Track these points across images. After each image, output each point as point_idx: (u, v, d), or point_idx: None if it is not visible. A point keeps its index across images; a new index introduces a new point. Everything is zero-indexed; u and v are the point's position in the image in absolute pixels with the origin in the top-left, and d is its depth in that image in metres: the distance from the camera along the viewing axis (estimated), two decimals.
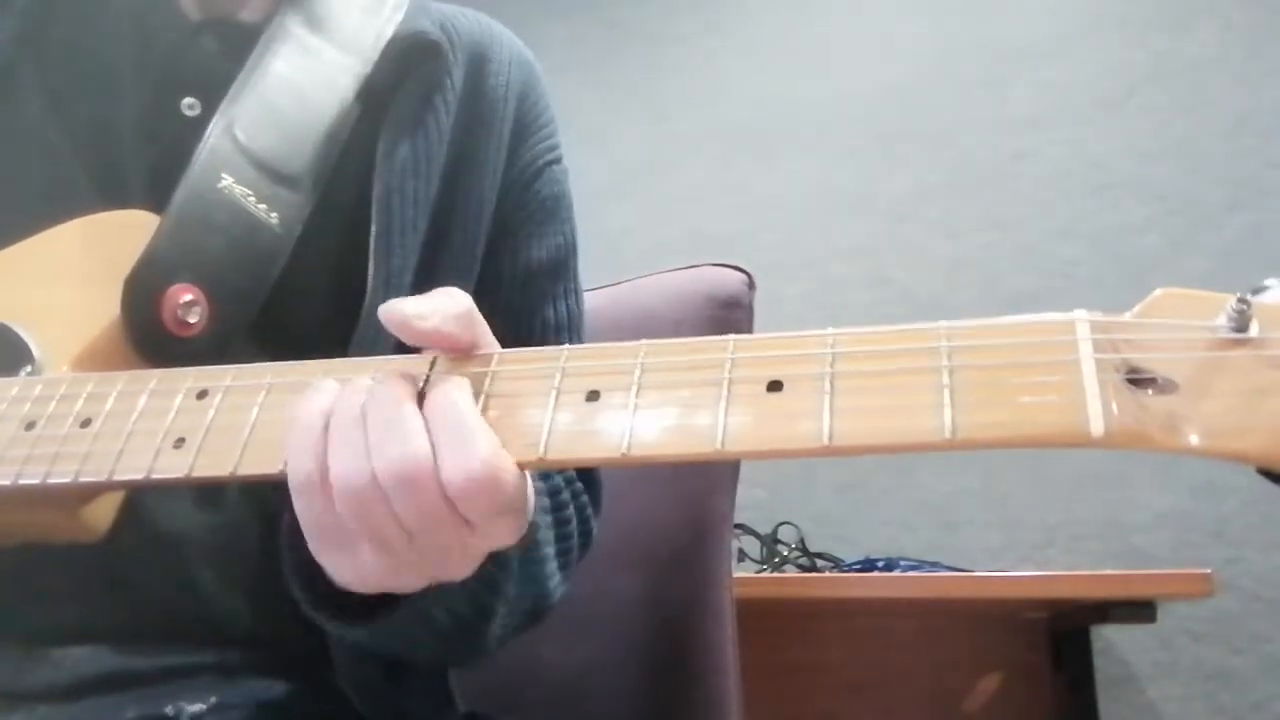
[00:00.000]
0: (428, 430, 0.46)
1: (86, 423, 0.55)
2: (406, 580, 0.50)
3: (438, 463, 0.45)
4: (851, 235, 2.13)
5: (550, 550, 0.67)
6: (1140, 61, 2.02)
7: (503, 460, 0.45)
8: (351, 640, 0.59)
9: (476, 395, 0.48)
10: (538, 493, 0.62)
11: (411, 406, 0.47)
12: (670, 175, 2.31)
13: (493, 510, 0.46)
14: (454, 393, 0.47)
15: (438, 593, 0.54)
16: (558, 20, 2.46)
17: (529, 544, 0.58)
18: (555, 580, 0.69)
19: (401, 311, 0.50)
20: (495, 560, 0.56)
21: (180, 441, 0.52)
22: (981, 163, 2.08)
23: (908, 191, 2.11)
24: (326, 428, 0.48)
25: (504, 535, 0.48)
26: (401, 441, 0.45)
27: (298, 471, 0.48)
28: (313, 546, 0.49)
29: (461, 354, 0.50)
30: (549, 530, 0.66)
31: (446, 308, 0.50)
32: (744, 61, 2.34)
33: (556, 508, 0.68)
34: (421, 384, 0.49)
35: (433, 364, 0.50)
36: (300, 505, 0.48)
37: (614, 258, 1.97)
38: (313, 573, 0.52)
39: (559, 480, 0.70)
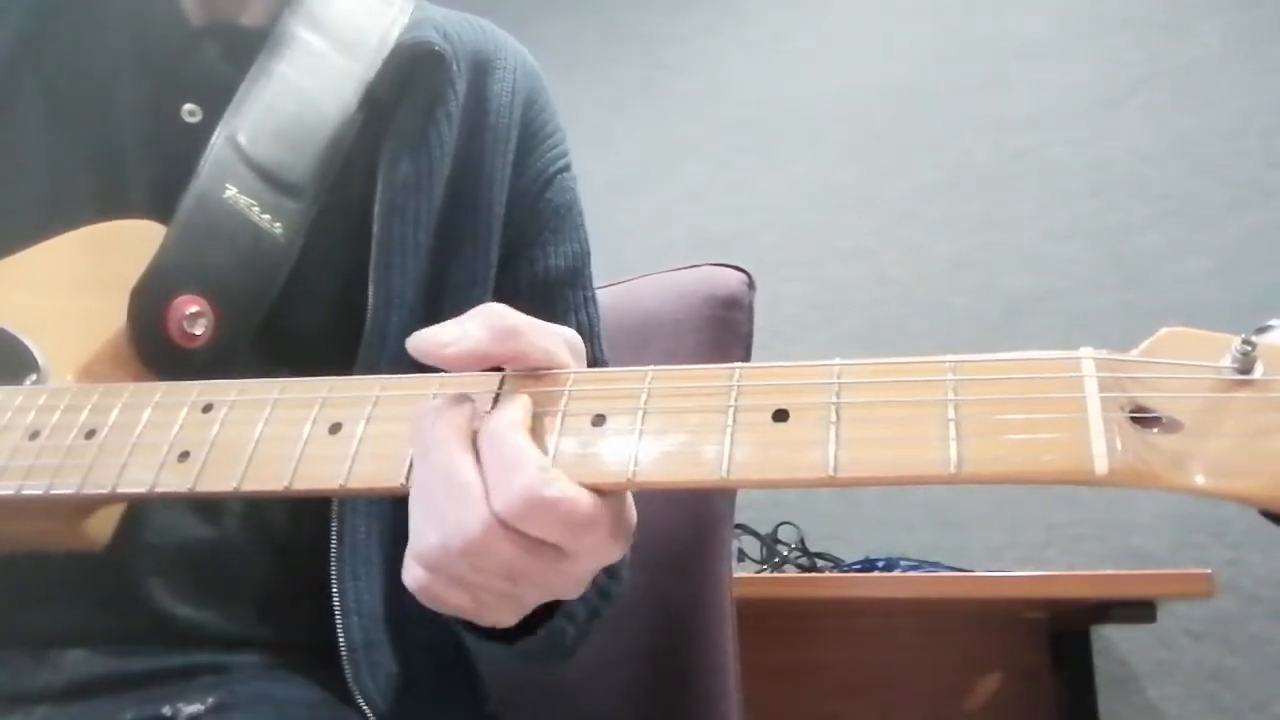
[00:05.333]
0: (479, 470, 0.46)
1: (91, 434, 0.55)
2: (530, 604, 0.51)
3: (491, 506, 0.45)
4: (851, 235, 2.13)
5: None
6: (1140, 61, 2.02)
7: (550, 485, 0.44)
8: (497, 656, 0.62)
9: (557, 414, 0.47)
10: None
11: (464, 458, 0.46)
12: (670, 175, 2.31)
13: (566, 530, 0.45)
14: (501, 421, 0.47)
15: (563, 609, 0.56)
16: (557, 20, 2.46)
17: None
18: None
19: (428, 341, 0.49)
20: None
21: (185, 455, 0.52)
22: (981, 163, 2.08)
23: (908, 191, 2.11)
24: None
25: (600, 552, 0.47)
26: (460, 507, 0.45)
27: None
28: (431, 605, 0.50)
29: (524, 368, 0.50)
30: None
31: (472, 330, 0.49)
32: (744, 61, 2.33)
33: None
34: (492, 402, 0.48)
35: (502, 382, 0.50)
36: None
37: (614, 258, 1.96)
38: None
39: None
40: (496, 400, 0.49)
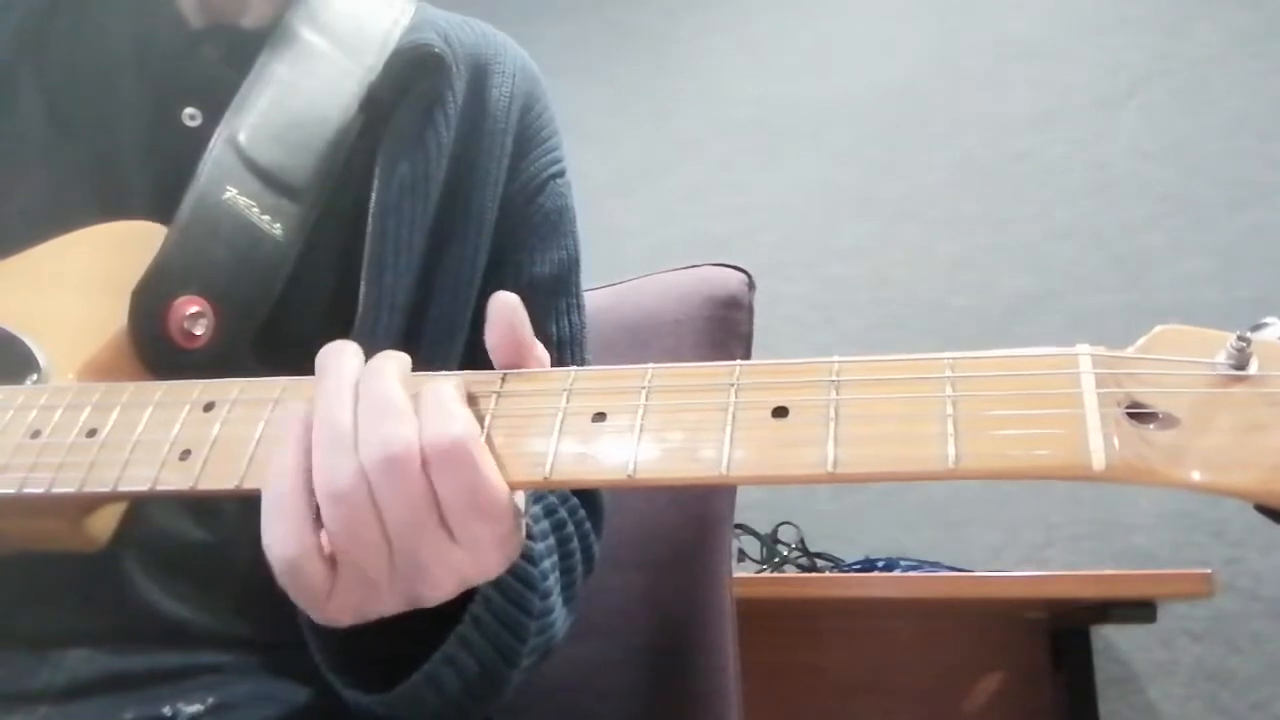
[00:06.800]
0: (415, 411, 0.46)
1: (92, 433, 0.55)
2: (386, 600, 0.48)
3: (421, 437, 0.45)
4: (851, 235, 2.14)
5: (553, 582, 0.65)
6: (1140, 61, 2.03)
7: (482, 445, 0.45)
8: (366, 706, 0.58)
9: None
10: (538, 527, 0.62)
11: (402, 394, 0.47)
12: (670, 175, 2.31)
13: (470, 501, 0.45)
14: (444, 385, 0.47)
15: (452, 649, 0.54)
16: (558, 21, 2.46)
17: (523, 573, 0.58)
18: (560, 615, 0.67)
19: (518, 312, 0.51)
20: (517, 604, 0.56)
21: (186, 454, 0.52)
22: (981, 163, 2.08)
23: (908, 191, 2.12)
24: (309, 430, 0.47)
25: (485, 552, 0.47)
26: (392, 425, 0.45)
27: (278, 488, 0.47)
28: (291, 585, 0.48)
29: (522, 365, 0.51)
30: (550, 556, 0.65)
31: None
32: (744, 61, 2.34)
33: (556, 527, 0.68)
34: (494, 400, 0.49)
35: (504, 379, 0.50)
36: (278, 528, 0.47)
37: (615, 258, 1.97)
38: (329, 634, 0.52)
39: (553, 500, 0.69)
40: (497, 398, 0.49)
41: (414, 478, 0.45)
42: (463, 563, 0.47)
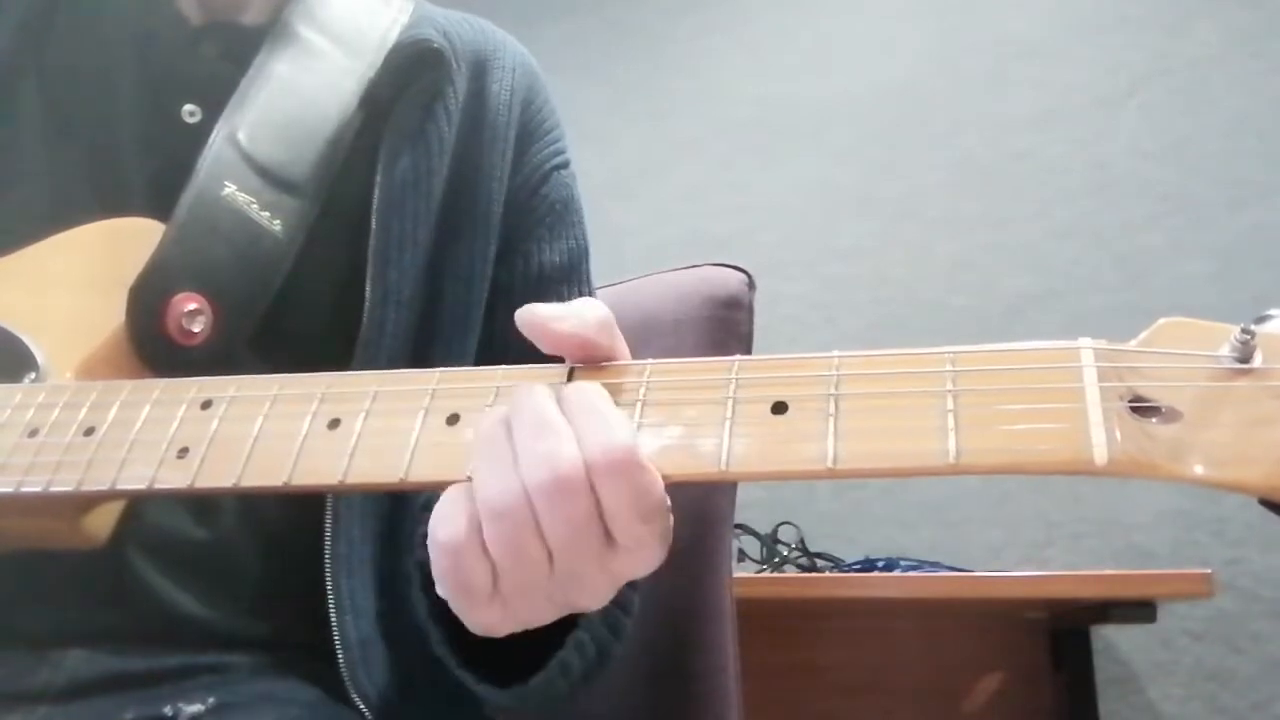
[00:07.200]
0: (572, 426, 0.45)
1: (90, 431, 0.55)
2: (543, 610, 0.48)
3: (582, 452, 0.44)
4: (851, 235, 2.13)
5: None
6: (1140, 61, 2.02)
7: (642, 453, 0.44)
8: (496, 702, 0.59)
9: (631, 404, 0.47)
10: None
11: (555, 408, 0.45)
12: (670, 175, 2.31)
13: (635, 507, 0.44)
14: (588, 388, 0.46)
15: (580, 634, 0.54)
16: (558, 20, 2.46)
17: None
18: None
19: (538, 314, 0.49)
20: (619, 602, 0.55)
21: (184, 452, 0.52)
22: (981, 162, 2.08)
23: (908, 191, 2.11)
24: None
25: (645, 552, 0.46)
26: (553, 443, 0.44)
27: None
28: (450, 590, 0.47)
29: (598, 362, 0.49)
30: None
31: (584, 312, 0.49)
32: (744, 61, 2.34)
33: None
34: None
35: (570, 373, 0.49)
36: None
37: (614, 258, 1.96)
38: (457, 631, 0.51)
39: None
40: (496, 395, 0.49)
41: (581, 495, 0.44)
42: (624, 566, 0.47)
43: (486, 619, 0.48)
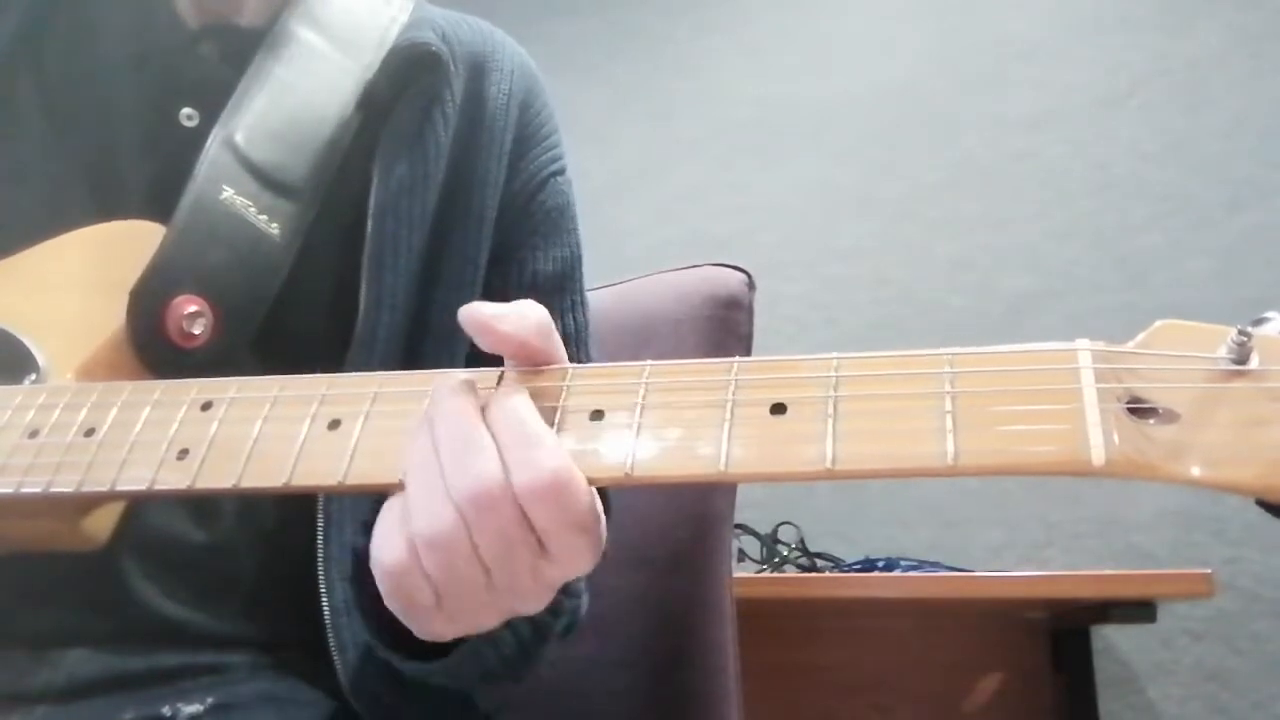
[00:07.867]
0: (496, 444, 0.46)
1: (90, 432, 0.55)
2: (485, 617, 0.49)
3: (508, 472, 0.45)
4: (851, 235, 2.13)
5: None
6: (1140, 61, 2.02)
7: (573, 467, 0.45)
8: (422, 675, 0.60)
9: (555, 409, 0.47)
10: None
11: (480, 427, 0.46)
12: (670, 175, 2.31)
13: (565, 522, 0.45)
14: (514, 399, 0.47)
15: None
16: (558, 20, 2.46)
17: None
18: (584, 591, 0.69)
19: (481, 313, 0.49)
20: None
21: (184, 453, 0.52)
22: (981, 163, 2.08)
23: (908, 191, 2.11)
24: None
25: (579, 559, 0.47)
26: (479, 465, 0.45)
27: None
28: (398, 608, 0.49)
29: (533, 366, 0.50)
30: None
31: (526, 312, 0.50)
32: (744, 61, 2.33)
33: None
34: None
35: (500, 377, 0.50)
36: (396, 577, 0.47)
37: (614, 258, 1.97)
38: (384, 620, 0.53)
39: None
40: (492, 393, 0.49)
41: (511, 518, 0.45)
42: (559, 573, 0.48)
43: (434, 629, 0.49)
